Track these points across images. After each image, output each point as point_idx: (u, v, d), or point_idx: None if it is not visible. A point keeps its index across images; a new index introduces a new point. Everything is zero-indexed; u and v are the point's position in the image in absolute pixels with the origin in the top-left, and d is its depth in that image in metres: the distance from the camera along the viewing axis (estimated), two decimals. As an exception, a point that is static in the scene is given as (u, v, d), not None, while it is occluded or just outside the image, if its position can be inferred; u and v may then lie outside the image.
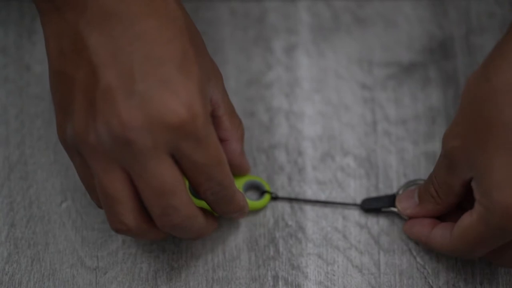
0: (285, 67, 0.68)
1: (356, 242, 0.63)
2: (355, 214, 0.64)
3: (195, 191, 0.56)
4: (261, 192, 0.64)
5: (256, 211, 0.64)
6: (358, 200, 0.64)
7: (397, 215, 0.63)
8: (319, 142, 0.66)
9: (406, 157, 0.66)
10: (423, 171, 0.65)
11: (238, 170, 0.62)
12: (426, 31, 0.69)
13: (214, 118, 0.59)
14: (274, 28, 0.69)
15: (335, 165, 0.65)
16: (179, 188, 0.54)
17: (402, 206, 0.62)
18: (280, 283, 0.62)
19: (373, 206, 0.63)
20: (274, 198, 0.64)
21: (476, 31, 0.69)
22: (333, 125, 0.66)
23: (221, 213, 0.58)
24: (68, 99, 0.54)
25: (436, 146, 0.66)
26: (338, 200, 0.64)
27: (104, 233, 0.63)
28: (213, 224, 0.59)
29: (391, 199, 0.63)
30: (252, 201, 0.63)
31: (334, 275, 0.62)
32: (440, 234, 0.59)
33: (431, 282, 0.62)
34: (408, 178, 0.65)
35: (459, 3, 0.70)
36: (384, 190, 0.64)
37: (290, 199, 0.64)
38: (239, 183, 0.63)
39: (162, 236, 0.57)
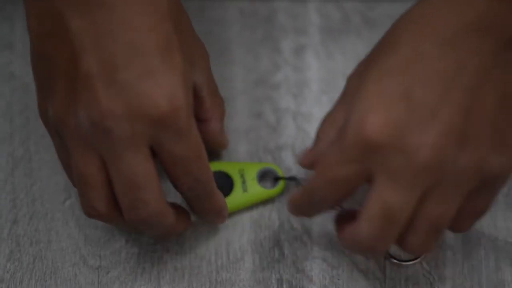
0: (293, 68, 0.68)
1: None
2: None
3: (173, 186, 0.56)
4: (275, 178, 0.63)
5: (271, 199, 0.64)
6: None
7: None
8: (326, 144, 0.66)
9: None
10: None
11: (217, 147, 0.63)
12: (436, 34, 0.69)
13: (196, 98, 0.59)
14: (282, 28, 0.69)
15: (342, 167, 0.65)
16: (151, 182, 0.53)
17: (298, 156, 0.62)
18: (284, 286, 0.62)
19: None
20: (292, 178, 0.63)
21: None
22: (341, 128, 0.66)
23: (198, 212, 0.58)
24: (49, 80, 0.54)
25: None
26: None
27: (107, 232, 0.63)
28: (184, 223, 0.59)
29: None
30: (267, 189, 0.63)
31: (339, 279, 0.62)
32: None
33: (437, 288, 0.62)
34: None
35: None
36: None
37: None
38: (253, 171, 0.63)
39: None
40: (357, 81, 0.56)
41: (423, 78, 0.52)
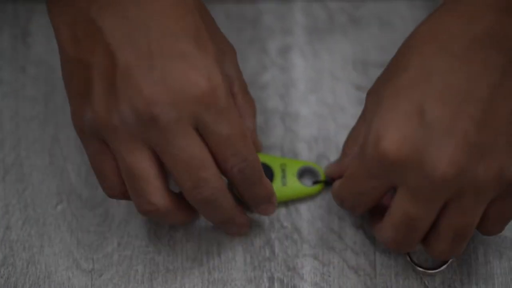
0: (280, 68, 0.68)
1: (352, 243, 0.63)
2: (351, 216, 0.64)
3: (222, 171, 0.55)
4: (314, 182, 0.64)
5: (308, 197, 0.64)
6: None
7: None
8: (314, 144, 0.66)
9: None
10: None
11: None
12: (421, 32, 0.69)
13: None
14: (269, 29, 0.69)
15: (331, 166, 0.65)
16: (208, 160, 0.54)
17: (325, 168, 0.63)
18: (275, 284, 0.62)
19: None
20: (330, 183, 0.63)
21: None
22: (329, 126, 0.66)
23: (249, 198, 0.58)
24: (86, 85, 0.54)
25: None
26: (334, 202, 0.64)
27: (99, 236, 0.63)
28: (242, 213, 0.60)
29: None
30: (306, 186, 0.63)
31: (330, 276, 0.62)
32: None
33: (427, 283, 0.62)
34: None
35: (454, 4, 0.70)
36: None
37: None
38: (294, 167, 0.63)
39: (188, 218, 0.58)
40: (374, 97, 0.57)
41: (436, 94, 0.53)
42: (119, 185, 0.56)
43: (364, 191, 0.57)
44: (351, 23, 0.70)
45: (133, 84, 0.53)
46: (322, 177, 0.64)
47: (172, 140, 0.53)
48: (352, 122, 0.66)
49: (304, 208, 0.64)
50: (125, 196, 0.57)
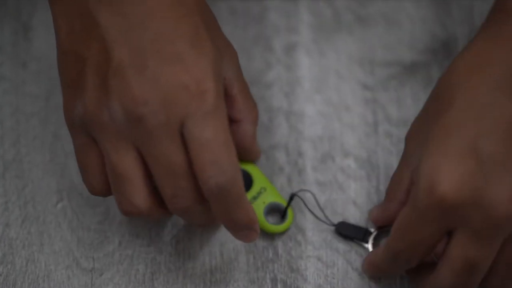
0: (286, 67, 0.68)
1: (356, 245, 0.62)
2: (356, 217, 0.64)
3: (200, 183, 0.53)
4: (283, 213, 0.63)
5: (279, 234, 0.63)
6: (359, 202, 0.64)
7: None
8: (319, 143, 0.66)
9: (407, 158, 0.65)
10: (425, 173, 0.65)
11: (248, 154, 0.62)
12: (428, 31, 0.69)
13: (227, 97, 0.59)
14: (274, 27, 0.69)
15: (336, 166, 0.65)
16: (188, 170, 0.53)
17: (370, 213, 0.62)
18: (278, 286, 0.62)
19: (347, 233, 0.62)
20: (291, 197, 0.63)
21: (480, 31, 0.69)
22: (334, 126, 0.66)
23: (226, 221, 0.55)
24: (79, 78, 0.54)
25: (438, 148, 0.66)
26: (339, 202, 0.64)
27: (100, 234, 0.63)
28: None
29: (365, 234, 0.62)
30: (274, 225, 0.62)
31: (333, 278, 0.62)
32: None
33: (432, 286, 0.62)
34: (410, 180, 0.65)
35: (462, 3, 0.70)
36: (385, 192, 0.64)
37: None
38: (268, 198, 0.62)
39: (170, 215, 0.57)
40: (416, 140, 0.56)
41: (487, 129, 0.52)
42: (102, 183, 0.56)
43: (421, 240, 0.54)
44: (357, 21, 0.70)
45: (125, 82, 0.52)
46: (289, 215, 0.62)
47: (157, 144, 0.53)
48: (357, 121, 0.66)
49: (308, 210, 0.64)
50: (106, 194, 0.56)
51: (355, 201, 0.64)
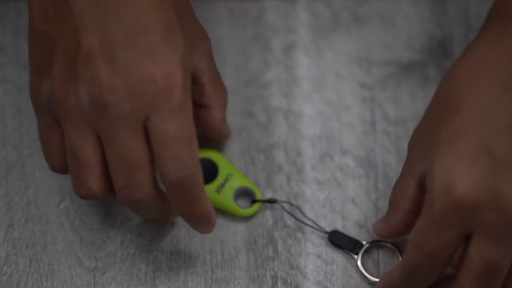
0: (284, 67, 0.68)
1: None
2: (355, 214, 0.64)
3: (161, 176, 0.54)
4: (252, 201, 0.64)
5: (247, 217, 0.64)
6: (357, 200, 0.64)
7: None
8: (318, 142, 0.66)
9: (405, 156, 0.65)
10: (423, 171, 0.65)
11: (218, 137, 0.63)
12: (425, 30, 0.69)
13: (197, 85, 0.59)
14: (272, 27, 0.69)
15: (334, 165, 0.65)
16: (145, 163, 0.54)
17: (375, 227, 0.61)
18: (279, 283, 0.62)
19: (339, 243, 0.62)
20: (271, 201, 0.64)
21: (476, 30, 0.68)
22: (332, 125, 0.66)
23: (185, 213, 0.56)
24: (48, 60, 0.54)
25: (435, 146, 0.66)
26: (338, 200, 0.64)
27: (102, 234, 0.63)
28: (176, 211, 0.58)
29: (356, 246, 0.62)
30: (242, 209, 0.63)
31: (333, 275, 0.62)
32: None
33: (430, 282, 0.62)
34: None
35: (458, 2, 0.70)
36: (383, 190, 0.64)
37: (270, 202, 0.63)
38: (235, 183, 0.63)
39: None
40: (420, 147, 0.56)
41: (498, 129, 0.52)
42: (62, 163, 0.56)
43: (440, 249, 0.53)
44: (355, 21, 0.70)
45: (93, 70, 0.53)
46: (259, 196, 0.63)
47: (118, 133, 0.53)
48: (355, 120, 0.66)
49: (307, 207, 0.64)
50: (65, 172, 0.57)
51: (353, 199, 0.64)
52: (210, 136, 0.63)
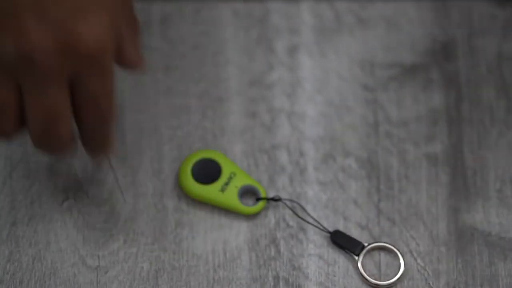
0: (287, 68, 0.68)
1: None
2: (356, 216, 0.64)
3: (77, 122, 0.57)
4: (257, 198, 0.64)
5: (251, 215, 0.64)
6: (359, 201, 0.64)
7: (398, 212, 0.63)
8: (320, 143, 0.66)
9: (407, 158, 0.66)
10: (424, 173, 0.65)
11: (136, 70, 0.61)
12: (428, 33, 0.69)
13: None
14: (276, 28, 0.69)
15: (337, 166, 0.65)
16: (66, 117, 0.55)
17: None
18: (281, 283, 0.62)
19: (341, 242, 0.63)
20: (275, 199, 0.64)
21: (478, 33, 0.69)
22: (335, 126, 0.67)
23: (90, 145, 0.59)
24: None
25: (437, 148, 0.66)
26: (340, 201, 0.64)
27: (105, 232, 0.63)
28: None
29: (357, 247, 0.62)
30: (247, 207, 0.63)
31: (335, 276, 0.62)
32: None
33: (431, 284, 0.62)
34: (409, 180, 0.65)
35: (461, 5, 0.70)
36: (385, 191, 0.65)
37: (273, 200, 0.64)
38: (239, 182, 0.64)
39: None
40: None
41: None
42: None
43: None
44: (358, 23, 0.70)
45: (22, 24, 0.53)
46: (263, 194, 0.64)
47: (42, 87, 0.54)
48: (358, 122, 0.67)
49: (310, 208, 0.64)
50: None
51: (356, 200, 0.65)
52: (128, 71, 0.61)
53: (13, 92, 0.55)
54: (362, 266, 0.62)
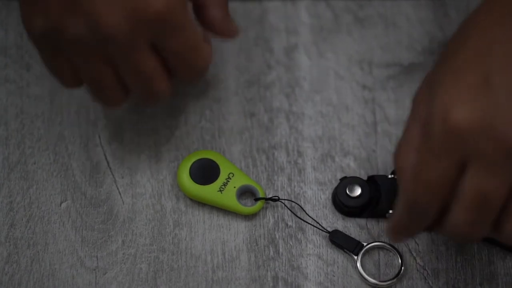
0: (285, 68, 0.68)
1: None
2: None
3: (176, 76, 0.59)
4: (255, 198, 0.64)
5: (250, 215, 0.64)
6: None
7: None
8: (319, 143, 0.66)
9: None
10: (423, 172, 0.65)
11: (224, 35, 0.62)
12: (426, 32, 0.69)
13: None
14: (274, 28, 0.69)
15: (335, 165, 0.65)
16: (159, 74, 0.57)
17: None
18: (280, 283, 0.62)
19: (339, 242, 0.62)
20: (274, 199, 0.64)
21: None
22: (333, 126, 0.66)
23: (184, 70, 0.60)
24: None
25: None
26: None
27: (104, 234, 0.63)
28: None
29: (356, 247, 0.62)
30: (245, 207, 0.63)
31: (334, 275, 0.62)
32: None
33: (431, 283, 0.62)
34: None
35: (459, 4, 0.70)
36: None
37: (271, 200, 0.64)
38: (238, 182, 0.63)
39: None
40: (425, 95, 0.55)
41: (499, 63, 0.52)
42: (74, 81, 0.59)
43: (437, 176, 0.52)
44: (356, 22, 0.70)
45: (92, 8, 0.54)
46: (261, 194, 0.64)
47: (126, 56, 0.56)
48: (356, 121, 0.66)
49: (308, 208, 0.64)
50: (79, 87, 0.60)
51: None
52: (218, 36, 0.62)
53: (107, 67, 0.57)
54: (361, 265, 0.62)
